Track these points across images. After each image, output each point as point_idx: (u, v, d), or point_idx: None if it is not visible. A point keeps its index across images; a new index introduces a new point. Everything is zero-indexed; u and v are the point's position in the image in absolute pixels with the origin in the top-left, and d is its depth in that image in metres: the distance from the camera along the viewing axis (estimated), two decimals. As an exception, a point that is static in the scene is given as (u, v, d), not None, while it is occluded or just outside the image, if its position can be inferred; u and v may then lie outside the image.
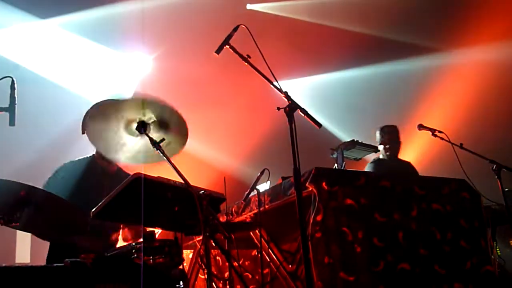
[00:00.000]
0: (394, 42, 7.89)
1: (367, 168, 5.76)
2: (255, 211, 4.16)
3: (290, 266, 3.98)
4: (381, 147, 5.79)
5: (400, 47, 7.95)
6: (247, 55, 3.20)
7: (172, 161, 2.70)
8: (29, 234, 3.47)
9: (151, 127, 2.83)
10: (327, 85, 8.51)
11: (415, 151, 7.17)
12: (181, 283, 2.66)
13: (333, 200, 3.73)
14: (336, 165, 5.31)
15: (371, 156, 6.04)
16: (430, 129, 5.06)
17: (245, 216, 4.40)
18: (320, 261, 3.56)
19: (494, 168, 4.60)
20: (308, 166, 3.70)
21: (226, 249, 3.24)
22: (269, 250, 4.17)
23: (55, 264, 2.41)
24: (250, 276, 4.43)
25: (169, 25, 7.33)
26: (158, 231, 3.74)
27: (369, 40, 7.85)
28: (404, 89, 8.27)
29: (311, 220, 3.65)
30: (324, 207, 3.67)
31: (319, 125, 2.99)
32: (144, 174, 2.58)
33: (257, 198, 4.09)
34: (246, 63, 3.20)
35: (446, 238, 4.13)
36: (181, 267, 2.74)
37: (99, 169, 3.62)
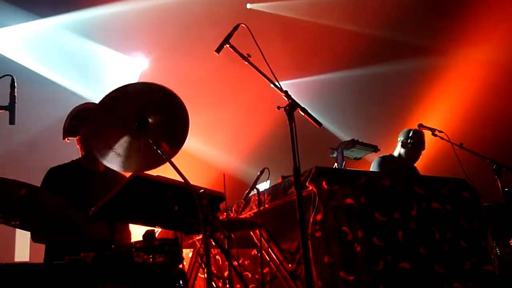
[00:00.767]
0: (394, 42, 7.90)
1: (374, 163, 5.71)
2: (255, 210, 4.16)
3: (290, 265, 3.98)
4: (407, 147, 5.71)
5: (400, 47, 7.96)
6: (247, 54, 3.20)
7: (172, 161, 2.70)
8: (28, 233, 3.45)
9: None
10: (327, 84, 8.51)
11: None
12: (181, 282, 2.66)
13: (333, 200, 3.73)
14: (336, 164, 5.31)
15: (371, 156, 6.03)
16: (430, 129, 5.06)
17: (245, 215, 4.40)
18: (320, 261, 3.56)
19: (494, 167, 4.61)
20: (308, 165, 3.70)
21: (226, 248, 3.24)
22: (269, 249, 4.17)
23: (55, 262, 2.41)
24: (250, 275, 4.43)
25: (168, 24, 7.34)
26: (158, 230, 3.74)
27: (369, 40, 7.85)
28: (404, 88, 8.27)
29: (311, 220, 3.65)
30: (324, 207, 3.67)
31: (319, 124, 2.99)
32: (144, 173, 2.58)
33: (257, 197, 4.09)
34: (246, 62, 3.20)
35: (446, 238, 4.13)
36: (181, 266, 2.74)
37: (87, 171, 3.62)
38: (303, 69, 8.33)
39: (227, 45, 3.26)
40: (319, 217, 3.65)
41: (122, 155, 2.91)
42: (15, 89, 2.74)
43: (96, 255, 2.43)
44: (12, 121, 2.69)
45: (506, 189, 4.64)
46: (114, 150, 2.89)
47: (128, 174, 3.32)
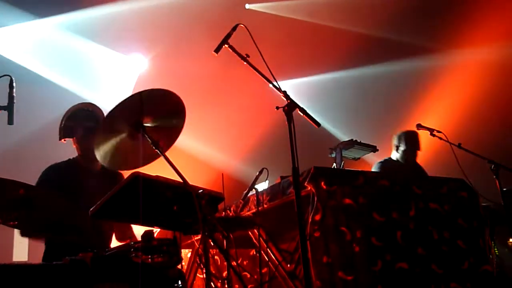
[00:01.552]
0: (392, 42, 7.90)
1: (375, 167, 5.74)
2: (254, 210, 4.16)
3: (288, 265, 3.98)
4: (400, 151, 5.75)
5: (398, 47, 7.96)
6: (246, 55, 3.20)
7: (171, 160, 2.70)
8: (27, 234, 3.46)
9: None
10: (326, 84, 8.51)
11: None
12: (180, 282, 2.66)
13: (332, 200, 3.74)
14: (334, 164, 5.31)
15: (370, 156, 6.04)
16: (428, 129, 5.06)
17: (243, 215, 4.40)
18: (319, 261, 3.56)
19: (492, 167, 4.61)
20: (307, 166, 3.70)
21: (224, 249, 3.24)
22: (268, 249, 4.17)
23: (54, 262, 2.41)
24: (248, 275, 4.43)
25: (167, 24, 7.33)
26: (156, 230, 3.74)
27: (367, 40, 7.85)
28: (403, 88, 8.28)
29: (310, 220, 3.65)
30: (323, 207, 3.67)
31: (318, 124, 2.99)
32: (143, 173, 2.58)
33: (255, 197, 4.09)
34: (245, 63, 3.20)
35: (444, 238, 4.13)
36: (179, 266, 2.74)
37: (84, 169, 3.62)
38: (302, 69, 8.33)
39: (226, 45, 3.26)
40: (317, 217, 3.65)
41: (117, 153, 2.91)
42: (14, 89, 2.74)
43: (94, 255, 2.43)
44: (10, 121, 2.69)
45: (504, 189, 4.64)
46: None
47: (124, 172, 3.33)
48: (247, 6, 7.74)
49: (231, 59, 3.23)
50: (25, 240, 6.14)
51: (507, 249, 5.70)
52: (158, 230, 3.87)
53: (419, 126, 5.17)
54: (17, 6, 6.68)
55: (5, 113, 2.69)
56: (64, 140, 3.62)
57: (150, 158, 2.92)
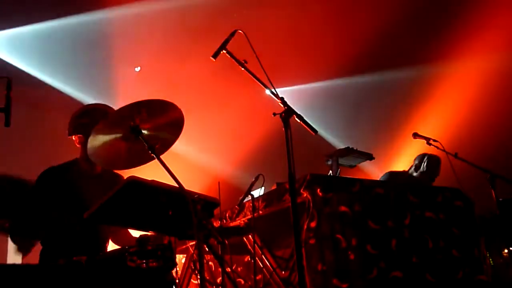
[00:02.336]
0: (389, 51, 7.93)
1: (385, 176, 5.76)
2: (249, 216, 4.15)
3: (283, 272, 3.98)
4: (418, 172, 5.77)
5: (395, 56, 7.99)
6: (244, 61, 3.20)
7: (167, 165, 2.70)
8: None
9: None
10: (323, 92, 8.53)
11: (410, 159, 7.19)
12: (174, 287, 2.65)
13: (327, 207, 3.73)
14: (330, 172, 5.31)
15: (366, 164, 6.05)
16: (425, 138, 5.08)
17: (239, 221, 4.39)
18: (314, 268, 3.56)
19: (488, 177, 4.62)
20: (303, 172, 3.70)
21: (219, 255, 3.23)
22: (262, 256, 4.16)
23: (50, 263, 2.40)
24: (242, 282, 4.42)
25: (164, 29, 7.34)
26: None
27: (365, 48, 7.87)
28: (399, 97, 8.31)
29: (305, 226, 3.64)
30: (318, 214, 3.67)
31: (315, 131, 2.99)
32: (138, 178, 2.57)
33: (251, 204, 4.09)
34: (242, 68, 3.21)
35: (439, 247, 4.13)
36: (174, 271, 2.73)
37: (83, 172, 3.60)
38: (299, 76, 8.35)
39: (224, 51, 3.27)
40: (313, 224, 3.64)
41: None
42: (11, 91, 2.74)
43: (88, 259, 2.42)
44: (7, 123, 2.68)
45: (500, 199, 4.65)
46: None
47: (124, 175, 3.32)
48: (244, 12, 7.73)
49: (229, 65, 3.23)
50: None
51: (502, 259, 5.71)
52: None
53: (416, 135, 5.18)
54: (14, 11, 6.69)
55: (2, 115, 2.68)
56: (74, 137, 3.55)
57: (136, 163, 2.93)
